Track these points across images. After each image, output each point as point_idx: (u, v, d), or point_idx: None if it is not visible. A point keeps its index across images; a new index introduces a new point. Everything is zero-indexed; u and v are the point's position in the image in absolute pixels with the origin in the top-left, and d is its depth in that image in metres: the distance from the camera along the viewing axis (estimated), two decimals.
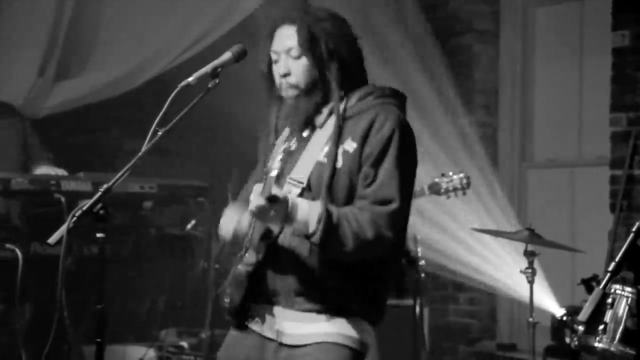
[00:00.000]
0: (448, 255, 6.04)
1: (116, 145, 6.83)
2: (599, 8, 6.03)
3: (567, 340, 4.11)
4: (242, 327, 3.08)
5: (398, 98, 3.07)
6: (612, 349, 3.83)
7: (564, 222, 6.30)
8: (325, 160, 2.93)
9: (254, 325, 3.06)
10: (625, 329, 3.82)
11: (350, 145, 2.93)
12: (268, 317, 3.02)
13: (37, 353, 4.27)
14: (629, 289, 3.85)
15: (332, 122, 2.99)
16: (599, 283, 2.54)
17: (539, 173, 6.59)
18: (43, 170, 5.35)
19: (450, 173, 4.74)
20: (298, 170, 2.97)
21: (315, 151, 2.97)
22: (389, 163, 2.88)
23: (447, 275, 6.27)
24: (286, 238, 2.95)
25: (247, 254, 3.00)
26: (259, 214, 2.81)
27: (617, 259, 2.51)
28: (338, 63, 2.98)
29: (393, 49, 6.67)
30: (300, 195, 2.92)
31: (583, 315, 2.45)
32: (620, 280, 3.88)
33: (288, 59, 3.00)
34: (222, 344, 3.18)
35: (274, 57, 3.04)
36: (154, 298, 6.10)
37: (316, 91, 2.99)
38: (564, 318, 4.18)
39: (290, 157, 3.04)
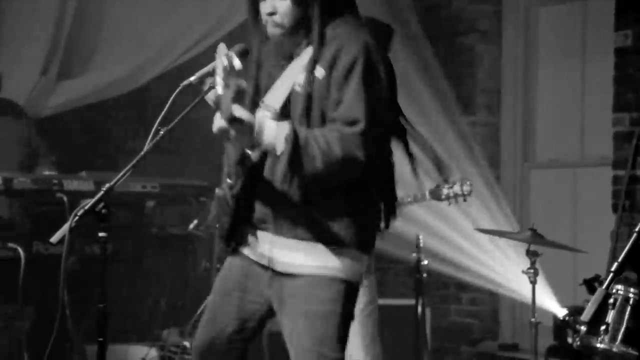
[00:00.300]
0: (450, 256, 6.04)
1: (118, 144, 6.84)
2: (602, 8, 6.02)
3: (569, 340, 4.11)
4: (236, 251, 3.11)
5: (376, 27, 3.08)
6: (614, 349, 3.83)
7: (566, 223, 6.29)
8: (299, 88, 2.97)
9: (246, 250, 3.08)
10: (628, 330, 3.81)
11: (319, 72, 2.96)
12: (259, 243, 3.05)
13: (39, 352, 4.28)
14: (631, 289, 3.84)
15: (309, 51, 3.02)
16: (601, 283, 2.54)
17: (541, 173, 6.59)
18: (45, 171, 5.36)
19: (453, 179, 4.74)
20: (272, 96, 3.01)
21: (290, 79, 3.01)
22: (353, 84, 2.90)
23: (450, 274, 6.26)
24: (264, 160, 2.97)
25: (228, 180, 3.03)
26: (221, 134, 2.86)
27: (619, 259, 2.51)
28: (321, 1, 3.01)
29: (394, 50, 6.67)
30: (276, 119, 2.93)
31: (585, 316, 2.45)
32: (622, 281, 3.88)
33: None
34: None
35: None
36: (156, 297, 6.10)
37: (300, 30, 3.03)
38: (566, 318, 4.17)
39: (265, 87, 3.07)
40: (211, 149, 6.83)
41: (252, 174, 3.00)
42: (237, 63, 2.80)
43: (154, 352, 5.57)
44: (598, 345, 3.87)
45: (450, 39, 6.70)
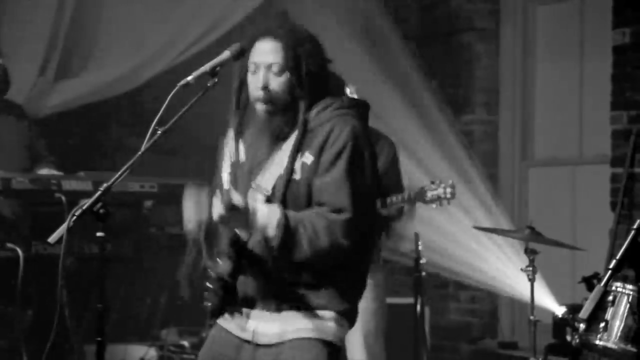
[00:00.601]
0: (449, 254, 6.04)
1: (117, 143, 6.84)
2: (599, 6, 6.02)
3: (568, 338, 4.11)
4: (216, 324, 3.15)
5: (357, 108, 3.12)
6: (613, 346, 3.83)
7: (564, 220, 6.29)
8: (282, 172, 3.01)
9: (230, 326, 3.11)
10: (626, 327, 3.82)
11: (308, 158, 3.00)
12: (243, 319, 3.08)
13: (38, 353, 4.28)
14: (630, 286, 3.85)
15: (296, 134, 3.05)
16: (599, 281, 2.54)
17: (539, 171, 6.59)
18: (45, 172, 5.36)
19: (438, 181, 4.73)
20: (265, 179, 3.04)
21: (280, 163, 3.04)
22: (338, 173, 2.95)
23: (448, 275, 6.27)
24: (254, 243, 3.01)
25: (219, 260, 3.07)
26: (222, 221, 2.92)
27: (618, 257, 2.51)
28: (311, 83, 3.04)
29: (393, 49, 6.69)
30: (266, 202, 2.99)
31: (584, 313, 2.45)
32: (621, 278, 3.88)
33: (268, 73, 3.03)
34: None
35: (251, 67, 3.07)
36: (155, 297, 6.11)
37: (289, 109, 3.05)
38: (565, 316, 4.17)
39: (255, 166, 3.09)
40: (209, 148, 6.86)
41: (243, 254, 3.06)
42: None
43: (152, 352, 5.58)
44: (597, 342, 3.88)
45: (448, 38, 6.71)
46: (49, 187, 5.04)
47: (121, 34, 6.39)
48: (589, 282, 4.18)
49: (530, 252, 4.84)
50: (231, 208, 2.86)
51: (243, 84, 3.11)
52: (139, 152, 3.03)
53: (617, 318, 3.85)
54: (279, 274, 2.99)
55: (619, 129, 5.70)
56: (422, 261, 5.13)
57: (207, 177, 5.75)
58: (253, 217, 2.90)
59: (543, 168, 6.58)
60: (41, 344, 3.45)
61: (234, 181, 3.13)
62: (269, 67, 3.03)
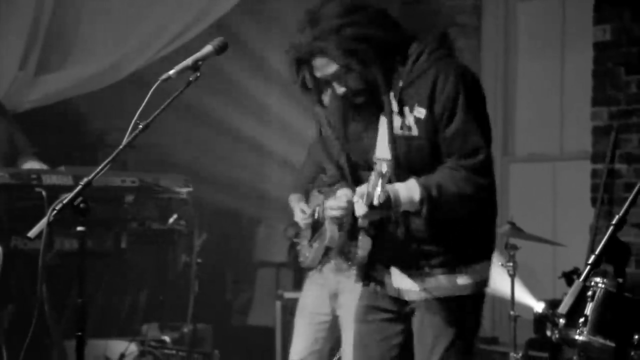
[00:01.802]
0: None
1: (98, 138, 6.81)
2: (581, 2, 6.05)
3: (548, 333, 4.12)
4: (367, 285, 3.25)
5: (446, 45, 3.10)
6: (592, 341, 3.85)
7: (545, 216, 6.32)
8: (402, 132, 3.00)
9: (378, 287, 3.19)
10: (606, 322, 3.84)
11: (419, 112, 2.99)
12: (388, 280, 3.16)
13: (18, 348, 4.25)
14: (609, 281, 3.87)
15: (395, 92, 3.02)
16: (579, 276, 2.55)
17: (520, 167, 6.61)
18: (29, 165, 5.32)
19: None
20: (380, 148, 3.04)
21: (386, 126, 3.03)
22: (464, 116, 2.96)
23: None
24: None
25: (360, 238, 3.13)
26: (367, 218, 2.97)
27: (597, 252, 2.52)
28: (375, 47, 2.99)
29: None
30: (393, 169, 2.99)
31: (563, 308, 2.46)
32: (600, 273, 3.90)
33: (335, 82, 3.04)
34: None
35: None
36: (136, 292, 6.09)
37: (375, 85, 3.02)
38: (544, 311, 4.19)
39: (359, 141, 3.10)
40: (189, 143, 6.85)
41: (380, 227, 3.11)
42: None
43: (133, 347, 5.55)
44: (576, 337, 3.90)
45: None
46: (29, 181, 5.01)
47: (102, 28, 6.35)
48: (569, 277, 4.20)
49: (510, 248, 4.86)
50: (374, 207, 2.88)
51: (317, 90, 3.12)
52: (120, 147, 3.02)
53: (597, 313, 3.87)
54: (419, 236, 3.04)
55: (600, 126, 5.72)
56: None
57: (187, 171, 5.75)
58: (396, 203, 2.93)
59: (524, 164, 6.60)
60: (21, 339, 3.44)
61: (329, 154, 3.16)
62: (335, 76, 3.03)
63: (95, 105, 6.78)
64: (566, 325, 3.95)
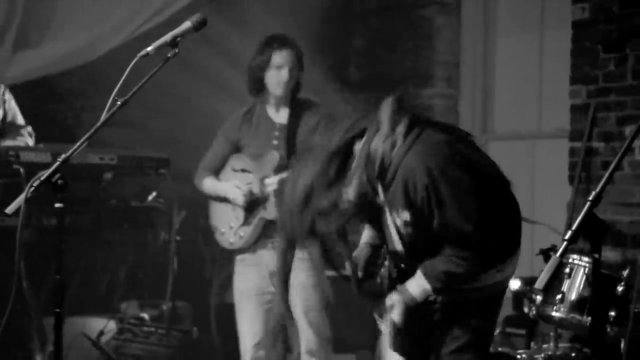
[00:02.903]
0: None
1: (76, 115, 6.78)
2: None
3: (526, 310, 4.15)
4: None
5: (408, 128, 3.07)
6: (569, 317, 3.88)
7: (524, 194, 6.32)
8: (403, 229, 3.11)
9: None
10: (582, 298, 3.87)
11: (405, 215, 3.06)
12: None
13: None
14: (586, 258, 3.90)
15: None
16: (557, 252, 2.56)
17: (499, 145, 6.63)
18: (10, 142, 5.29)
19: None
20: (393, 241, 3.15)
21: (391, 218, 3.12)
22: (439, 210, 3.01)
23: None
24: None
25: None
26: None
27: (573, 228, 2.53)
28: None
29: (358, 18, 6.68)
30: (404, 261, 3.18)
31: (539, 283, 2.48)
32: (577, 250, 3.93)
33: None
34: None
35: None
36: (115, 270, 6.08)
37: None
38: (520, 289, 4.21)
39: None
40: (169, 120, 6.83)
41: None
42: None
43: (112, 325, 5.56)
44: (553, 314, 3.93)
45: (409, 11, 6.70)
46: (7, 158, 4.99)
47: (80, 5, 6.31)
48: (546, 254, 4.22)
49: None
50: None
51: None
52: (98, 123, 3.01)
53: (574, 290, 3.90)
54: None
55: (578, 104, 5.74)
56: None
57: (166, 149, 5.72)
58: (412, 302, 3.13)
59: (503, 142, 6.62)
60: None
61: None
62: None
63: (74, 82, 6.75)
64: (543, 301, 3.97)
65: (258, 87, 4.64)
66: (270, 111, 4.67)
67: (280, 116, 4.65)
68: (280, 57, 4.56)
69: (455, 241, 3.06)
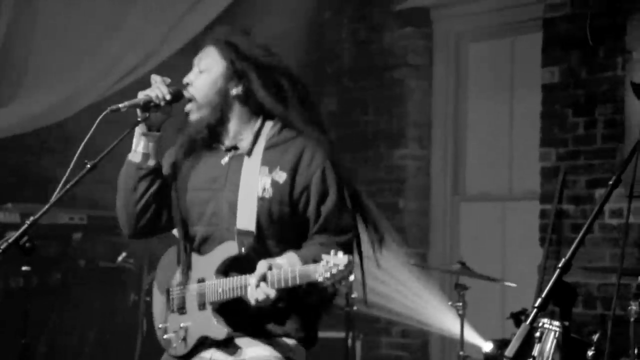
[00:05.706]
0: (378, 292, 6.01)
1: (48, 174, 6.73)
2: (530, 44, 6.13)
3: None
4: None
5: (320, 126, 3.13)
6: None
7: (495, 255, 6.35)
8: (264, 194, 3.00)
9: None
10: None
11: (279, 176, 3.01)
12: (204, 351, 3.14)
13: None
14: (556, 323, 3.90)
15: (258, 150, 3.05)
16: (527, 317, 2.55)
17: (471, 206, 6.65)
18: None
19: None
20: (242, 217, 3.00)
21: (251, 184, 3.01)
22: (336, 195, 3.02)
23: (376, 312, 6.23)
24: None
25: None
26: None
27: (543, 295, 2.53)
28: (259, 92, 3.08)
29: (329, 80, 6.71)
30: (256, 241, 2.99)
31: (510, 351, 2.47)
32: (548, 314, 3.93)
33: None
34: None
35: None
36: (83, 331, 6.00)
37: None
38: (492, 352, 4.21)
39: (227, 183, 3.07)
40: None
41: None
42: None
43: None
44: None
45: (382, 73, 6.76)
46: None
47: (53, 62, 6.30)
48: (517, 318, 4.22)
49: (460, 288, 4.88)
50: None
51: None
52: (66, 187, 2.99)
53: (544, 354, 3.89)
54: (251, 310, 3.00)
55: (548, 166, 5.79)
56: (354, 295, 5.14)
57: None
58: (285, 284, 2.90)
59: (474, 203, 6.64)
60: None
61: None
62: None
63: (46, 140, 6.71)
64: None
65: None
66: None
67: None
68: None
69: (340, 232, 3.02)
